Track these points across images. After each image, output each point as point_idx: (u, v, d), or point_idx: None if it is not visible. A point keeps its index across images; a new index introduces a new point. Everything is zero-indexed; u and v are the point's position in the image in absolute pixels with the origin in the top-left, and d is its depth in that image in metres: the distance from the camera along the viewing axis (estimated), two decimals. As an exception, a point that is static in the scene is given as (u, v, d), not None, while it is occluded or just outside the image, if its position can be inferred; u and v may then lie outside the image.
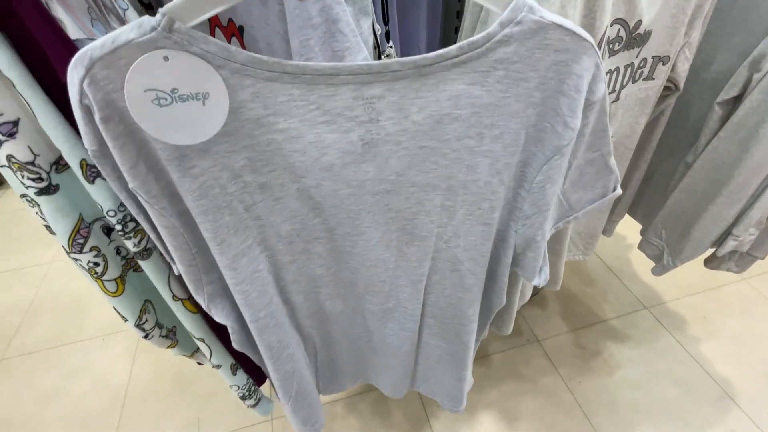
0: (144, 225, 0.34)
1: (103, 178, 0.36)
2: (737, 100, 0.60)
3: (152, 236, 0.36)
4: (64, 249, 0.38)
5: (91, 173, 0.35)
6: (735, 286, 1.21)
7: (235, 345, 0.47)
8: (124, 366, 1.05)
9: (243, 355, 0.48)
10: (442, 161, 0.35)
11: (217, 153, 0.30)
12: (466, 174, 0.36)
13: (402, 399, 0.97)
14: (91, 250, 0.39)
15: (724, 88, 0.60)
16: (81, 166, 0.34)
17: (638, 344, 1.08)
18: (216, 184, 0.32)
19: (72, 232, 0.37)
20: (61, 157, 0.35)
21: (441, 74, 0.31)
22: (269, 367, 0.48)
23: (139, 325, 0.45)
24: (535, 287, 0.81)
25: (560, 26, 0.29)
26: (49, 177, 0.35)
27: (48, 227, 0.37)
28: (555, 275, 0.74)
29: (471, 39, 0.30)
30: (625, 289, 1.22)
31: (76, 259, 0.38)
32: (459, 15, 0.62)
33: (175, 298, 0.44)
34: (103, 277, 0.40)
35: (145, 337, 0.46)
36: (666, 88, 0.61)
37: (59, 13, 0.41)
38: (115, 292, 0.42)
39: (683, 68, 0.58)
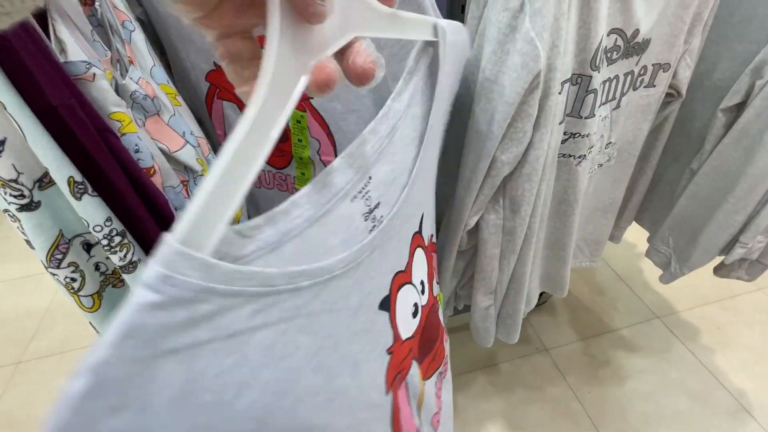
0: None
1: (91, 195, 0.37)
2: (740, 106, 0.60)
3: None
4: (42, 263, 0.39)
5: (78, 190, 0.37)
6: (750, 296, 1.18)
7: None
8: (136, 370, 1.07)
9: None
10: None
11: None
12: None
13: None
14: (69, 265, 0.40)
15: (727, 94, 0.60)
16: (68, 183, 0.36)
17: (649, 354, 1.06)
18: None
19: (51, 247, 0.38)
20: (44, 175, 0.37)
21: None
22: None
23: None
24: (542, 294, 0.81)
25: None
26: (31, 194, 0.36)
27: (28, 242, 0.38)
28: (561, 282, 0.73)
29: None
30: (636, 298, 1.20)
31: (54, 274, 0.40)
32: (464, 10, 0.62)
33: None
34: (80, 293, 0.41)
35: None
36: (668, 94, 0.61)
37: (63, 34, 0.44)
38: (91, 308, 0.43)
39: (684, 75, 0.58)
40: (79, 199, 0.36)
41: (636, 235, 0.88)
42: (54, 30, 0.44)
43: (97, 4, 0.53)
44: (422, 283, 0.40)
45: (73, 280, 0.41)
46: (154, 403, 0.17)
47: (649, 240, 0.83)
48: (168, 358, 0.17)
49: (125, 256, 0.40)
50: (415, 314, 0.39)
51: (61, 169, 0.35)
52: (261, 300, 0.21)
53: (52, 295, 1.30)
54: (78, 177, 0.36)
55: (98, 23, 0.54)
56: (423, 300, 0.40)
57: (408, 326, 0.38)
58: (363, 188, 0.30)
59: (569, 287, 0.76)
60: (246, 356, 0.20)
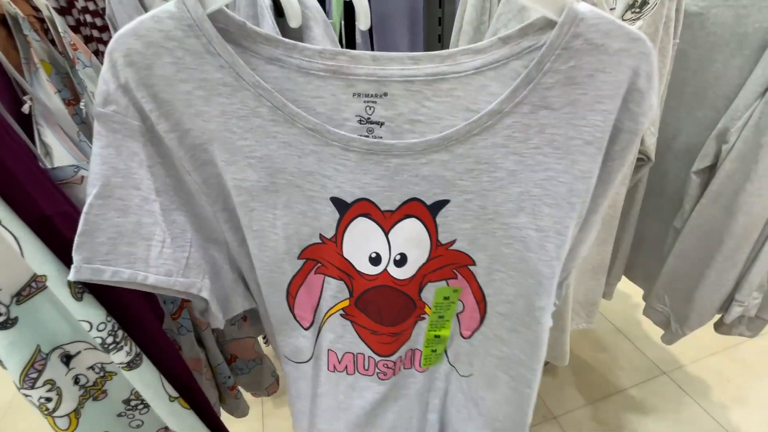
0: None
1: (90, 293, 0.36)
2: (711, 168, 0.62)
3: None
4: (15, 385, 0.37)
5: (79, 290, 0.36)
6: (753, 343, 1.15)
7: None
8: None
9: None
10: None
11: None
12: None
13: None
14: (44, 384, 0.37)
15: (697, 158, 0.62)
16: (69, 285, 0.35)
17: (663, 416, 1.00)
18: None
19: (26, 366, 0.36)
20: (25, 287, 0.35)
21: None
22: None
23: None
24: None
25: None
26: (8, 311, 0.34)
27: (0, 362, 0.36)
28: (561, 351, 0.70)
29: None
30: (639, 353, 1.16)
31: (27, 395, 0.37)
32: (441, 21, 0.63)
33: (171, 398, 0.42)
34: (55, 414, 0.38)
35: None
36: (639, 159, 0.64)
37: (49, 138, 0.44)
38: (66, 430, 0.39)
39: (651, 141, 0.61)
40: (80, 299, 0.35)
41: (629, 287, 0.86)
42: (39, 134, 0.44)
43: (82, 103, 0.54)
44: (402, 255, 0.38)
45: (48, 399, 0.38)
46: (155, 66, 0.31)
47: (644, 298, 0.81)
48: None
49: (131, 349, 0.39)
50: (374, 262, 0.39)
51: (60, 272, 0.34)
52: (222, 66, 0.31)
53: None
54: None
55: (82, 121, 0.54)
56: (395, 270, 0.39)
57: (357, 258, 0.39)
58: (372, 96, 0.32)
59: (569, 345, 0.73)
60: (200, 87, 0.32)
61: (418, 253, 0.38)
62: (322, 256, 0.39)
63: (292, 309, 0.42)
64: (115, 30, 0.51)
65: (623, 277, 0.83)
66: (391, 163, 0.33)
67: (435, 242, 0.38)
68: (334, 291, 0.41)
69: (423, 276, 0.40)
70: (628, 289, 0.88)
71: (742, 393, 1.03)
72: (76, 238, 0.32)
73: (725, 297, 0.66)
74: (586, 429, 0.98)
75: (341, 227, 0.37)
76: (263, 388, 0.65)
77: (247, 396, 0.67)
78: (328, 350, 0.45)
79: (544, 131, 0.31)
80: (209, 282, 0.38)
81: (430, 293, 0.41)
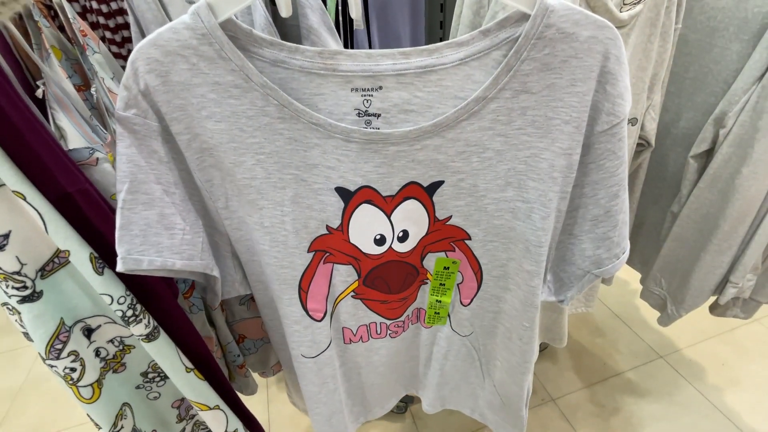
0: None
1: (111, 269, 0.38)
2: (709, 152, 0.63)
3: None
4: (41, 356, 0.38)
5: (100, 265, 0.37)
6: (748, 327, 1.18)
7: None
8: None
9: (248, 415, 0.51)
10: None
11: None
12: None
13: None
14: (69, 354, 0.39)
15: (695, 143, 0.63)
16: (91, 260, 0.36)
17: (659, 398, 1.02)
18: None
19: (51, 337, 0.37)
20: (48, 263, 0.37)
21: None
22: None
23: None
24: (541, 343, 0.79)
25: None
26: (33, 284, 0.36)
27: (26, 334, 0.37)
28: (559, 332, 0.72)
29: None
30: (636, 338, 1.18)
31: (52, 366, 0.38)
32: (443, 8, 0.64)
33: (187, 369, 0.44)
34: (79, 384, 0.40)
35: None
36: (639, 144, 0.65)
37: (62, 121, 0.45)
38: (90, 399, 0.41)
39: (651, 127, 0.62)
40: (101, 273, 0.37)
41: (627, 272, 0.88)
42: (53, 118, 0.46)
43: (92, 89, 0.55)
44: (404, 232, 0.41)
45: (73, 370, 0.39)
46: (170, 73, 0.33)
47: (642, 282, 0.83)
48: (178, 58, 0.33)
49: (149, 322, 0.40)
50: (379, 243, 0.42)
51: (82, 248, 0.35)
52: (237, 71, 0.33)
53: (26, 374, 1.22)
54: (95, 254, 0.37)
55: (92, 106, 0.55)
56: (398, 245, 0.42)
57: (362, 241, 0.41)
58: (368, 90, 0.34)
59: (568, 329, 0.75)
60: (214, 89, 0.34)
61: (418, 229, 0.41)
62: (329, 246, 0.41)
63: (305, 304, 0.44)
64: (131, 8, 0.53)
65: (622, 263, 0.85)
66: (389, 150, 0.35)
67: (433, 218, 0.41)
68: (344, 276, 0.44)
69: (423, 247, 0.44)
70: (626, 275, 0.90)
71: (736, 376, 1.05)
72: (117, 232, 0.35)
73: (720, 279, 0.68)
74: (584, 411, 1.01)
75: (346, 215, 0.39)
76: (269, 367, 0.67)
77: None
78: (343, 328, 0.48)
79: (525, 113, 0.34)
80: (216, 263, 0.42)
81: (431, 262, 0.45)
